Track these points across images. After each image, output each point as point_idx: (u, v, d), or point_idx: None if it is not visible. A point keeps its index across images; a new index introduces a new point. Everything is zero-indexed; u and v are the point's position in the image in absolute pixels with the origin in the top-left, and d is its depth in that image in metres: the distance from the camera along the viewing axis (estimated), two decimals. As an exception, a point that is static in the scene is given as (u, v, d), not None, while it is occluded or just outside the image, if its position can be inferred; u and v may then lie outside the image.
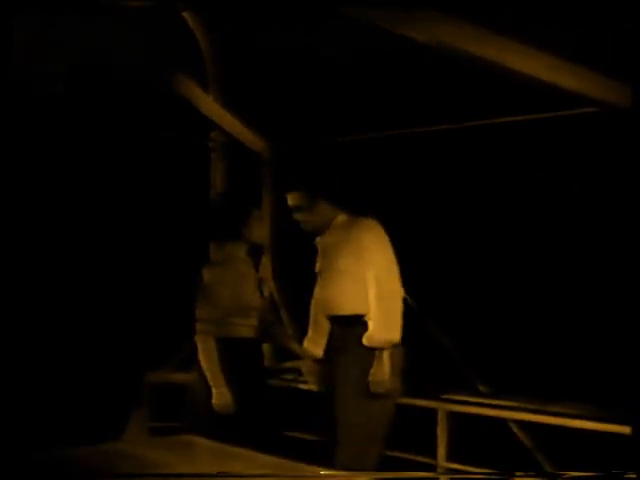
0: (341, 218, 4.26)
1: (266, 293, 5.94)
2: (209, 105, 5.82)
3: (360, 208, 4.28)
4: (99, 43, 5.15)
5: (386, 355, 4.04)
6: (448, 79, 4.88)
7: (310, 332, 4.45)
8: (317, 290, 4.36)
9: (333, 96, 5.56)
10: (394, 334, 4.06)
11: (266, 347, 5.01)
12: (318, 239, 4.33)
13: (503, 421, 4.70)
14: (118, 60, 5.38)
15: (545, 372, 4.93)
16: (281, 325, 4.74)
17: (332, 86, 5.53)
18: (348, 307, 4.16)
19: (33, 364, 5.99)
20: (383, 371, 4.03)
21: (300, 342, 4.60)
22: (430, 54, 3.74)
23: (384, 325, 4.04)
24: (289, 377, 5.46)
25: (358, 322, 4.09)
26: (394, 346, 4.07)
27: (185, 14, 5.44)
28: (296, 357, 4.83)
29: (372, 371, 4.03)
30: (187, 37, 5.63)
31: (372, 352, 4.05)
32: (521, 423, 4.66)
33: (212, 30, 5.65)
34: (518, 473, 3.26)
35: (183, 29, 5.59)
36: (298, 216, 4.31)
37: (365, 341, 4.06)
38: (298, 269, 4.66)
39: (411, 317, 4.77)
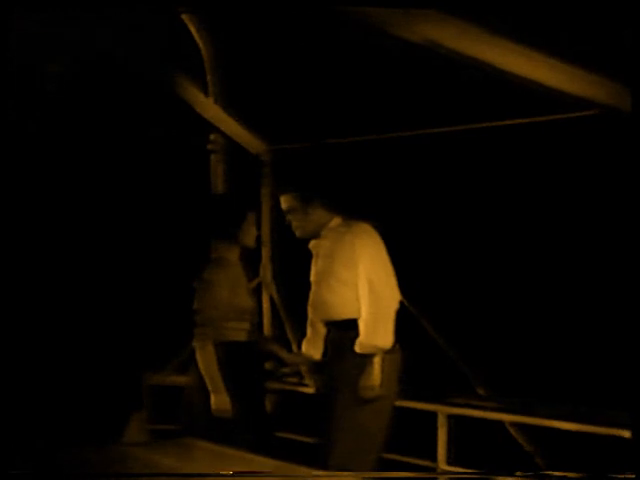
0: (335, 222, 4.24)
1: (265, 297, 5.96)
2: (209, 107, 5.82)
3: (356, 211, 4.27)
4: (99, 44, 5.16)
5: (377, 361, 4.02)
6: (447, 81, 4.88)
7: (308, 335, 4.45)
8: (312, 294, 4.36)
9: (333, 98, 5.56)
10: (384, 341, 4.03)
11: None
12: (312, 242, 4.31)
13: (501, 423, 4.70)
14: (118, 61, 5.39)
15: (544, 375, 4.93)
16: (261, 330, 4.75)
17: (331, 88, 5.53)
18: (342, 312, 4.14)
19: (33, 366, 5.99)
20: (373, 377, 4.02)
21: (299, 344, 4.60)
22: (429, 56, 3.74)
23: (374, 332, 4.02)
24: (292, 380, 5.46)
25: (352, 327, 4.08)
26: (390, 351, 4.06)
27: (185, 16, 5.44)
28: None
29: (362, 376, 4.03)
30: (187, 39, 5.63)
31: (365, 357, 4.04)
32: (520, 426, 4.66)
33: (212, 32, 5.65)
34: (518, 473, 3.26)
35: (183, 31, 5.59)
36: (291, 219, 4.30)
37: (356, 348, 4.05)
38: (299, 271, 4.65)
39: (410, 320, 4.78)
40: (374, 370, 4.02)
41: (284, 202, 4.32)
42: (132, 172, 6.36)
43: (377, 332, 4.03)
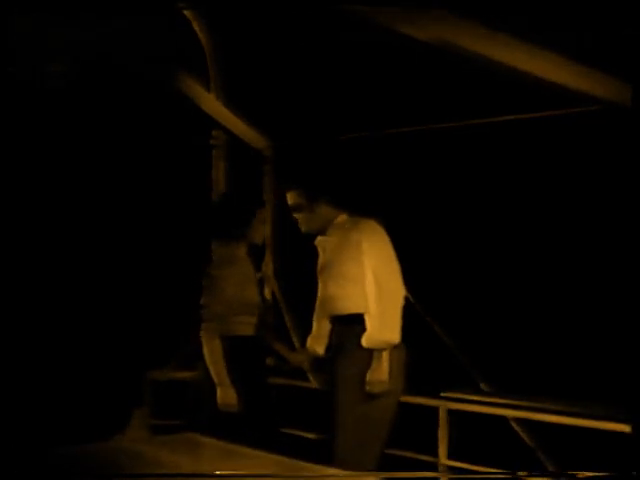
0: (341, 218, 4.25)
1: (267, 293, 5.97)
2: (211, 103, 5.82)
3: (361, 208, 4.28)
4: (101, 41, 5.16)
5: (385, 356, 4.04)
6: (450, 77, 4.88)
7: (313, 330, 4.46)
8: (319, 290, 4.37)
9: (335, 94, 5.55)
10: (392, 335, 4.04)
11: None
12: (319, 239, 4.32)
13: (504, 419, 4.70)
14: (120, 58, 5.39)
15: (546, 370, 4.93)
16: (270, 326, 4.75)
17: (334, 84, 5.53)
18: (348, 307, 4.15)
19: (35, 362, 6.00)
20: (381, 371, 4.03)
21: (301, 339, 4.61)
22: (432, 52, 3.75)
23: (382, 326, 4.03)
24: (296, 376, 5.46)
25: (358, 322, 4.09)
26: (396, 346, 4.07)
27: (187, 12, 5.44)
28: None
29: (370, 371, 4.03)
30: (189, 35, 5.64)
31: (371, 352, 4.05)
32: (522, 421, 4.66)
33: (214, 28, 5.66)
34: (522, 473, 3.25)
35: (185, 27, 5.60)
36: (297, 215, 4.31)
37: (364, 342, 4.06)
38: (300, 268, 4.66)
39: (413, 316, 4.79)
40: (382, 365, 4.03)
41: (290, 199, 4.33)
42: (135, 168, 6.37)
43: (385, 327, 4.04)
